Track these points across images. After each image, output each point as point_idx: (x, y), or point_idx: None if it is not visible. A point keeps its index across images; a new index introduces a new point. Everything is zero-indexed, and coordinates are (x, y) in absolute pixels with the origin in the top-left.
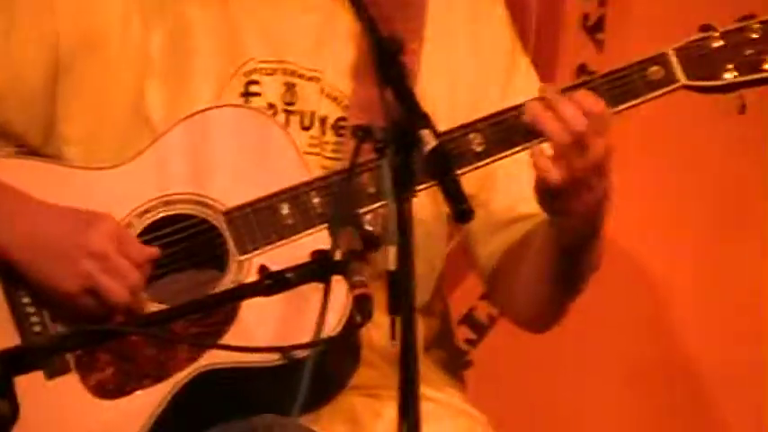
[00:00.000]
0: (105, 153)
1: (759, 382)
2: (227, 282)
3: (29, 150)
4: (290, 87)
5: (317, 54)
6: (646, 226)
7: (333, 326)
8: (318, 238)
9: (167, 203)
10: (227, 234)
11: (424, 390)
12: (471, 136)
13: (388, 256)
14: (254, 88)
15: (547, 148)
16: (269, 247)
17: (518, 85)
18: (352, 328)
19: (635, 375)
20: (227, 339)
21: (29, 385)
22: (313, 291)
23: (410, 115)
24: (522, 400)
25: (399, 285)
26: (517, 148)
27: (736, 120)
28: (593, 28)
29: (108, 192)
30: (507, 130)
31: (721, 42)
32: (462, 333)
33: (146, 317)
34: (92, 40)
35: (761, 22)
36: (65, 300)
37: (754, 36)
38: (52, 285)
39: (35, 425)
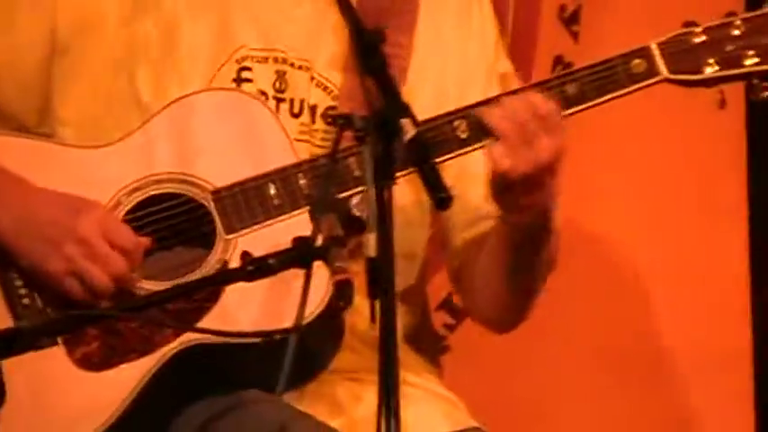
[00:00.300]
0: (99, 134)
1: (740, 368)
2: (214, 260)
3: (22, 129)
4: (280, 75)
5: (307, 44)
6: (627, 216)
7: (314, 306)
8: (304, 220)
9: (157, 182)
10: (214, 213)
11: (404, 374)
12: (456, 123)
13: (368, 243)
14: (246, 74)
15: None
16: (256, 226)
17: (496, 88)
18: (332, 311)
19: (613, 362)
20: (211, 316)
21: (15, 357)
22: (295, 272)
23: (391, 105)
24: (499, 385)
25: (379, 271)
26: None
27: (717, 114)
28: (570, 20)
29: (98, 170)
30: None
31: (703, 38)
32: (440, 318)
33: (131, 302)
34: (88, 23)
35: (743, 20)
36: (51, 281)
37: (736, 33)
38: (39, 267)
39: (21, 396)
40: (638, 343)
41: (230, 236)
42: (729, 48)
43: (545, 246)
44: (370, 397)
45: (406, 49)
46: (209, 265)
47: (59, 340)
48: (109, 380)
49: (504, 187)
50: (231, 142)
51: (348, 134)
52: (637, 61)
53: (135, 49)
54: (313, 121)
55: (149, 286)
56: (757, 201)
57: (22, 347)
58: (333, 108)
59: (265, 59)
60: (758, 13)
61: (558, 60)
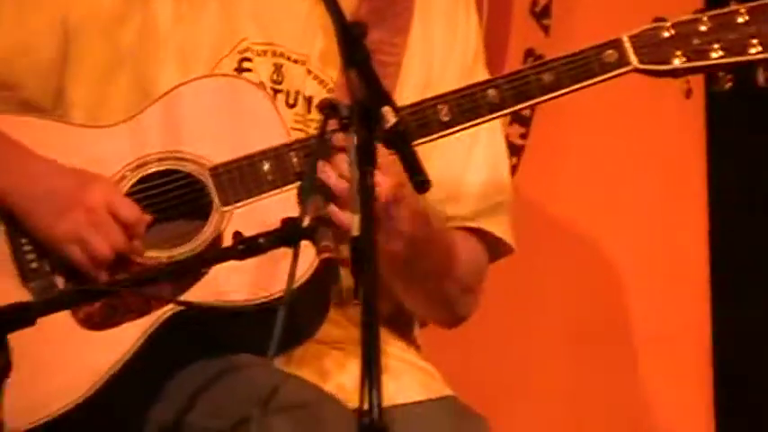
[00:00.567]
0: (106, 117)
1: (699, 341)
2: (209, 231)
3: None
4: (278, 68)
5: (304, 39)
6: (594, 202)
7: (302, 274)
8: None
9: (159, 160)
10: (211, 187)
11: (384, 347)
12: (439, 107)
13: (353, 224)
14: (246, 65)
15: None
16: (250, 200)
17: None
18: (318, 284)
19: (579, 336)
20: (205, 281)
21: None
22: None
23: (373, 94)
24: (471, 358)
25: (362, 250)
26: (479, 120)
27: (679, 105)
28: (541, 14)
29: (104, 147)
30: (472, 103)
31: (672, 32)
32: None
33: (133, 276)
34: (97, 12)
35: (709, 17)
36: (56, 246)
37: (703, 28)
38: (47, 231)
39: (26, 353)
40: (605, 320)
41: (226, 208)
42: (696, 41)
43: (420, 262)
44: (353, 366)
45: (401, 47)
46: (205, 236)
47: None
48: (109, 338)
49: None
50: (230, 123)
51: (328, 123)
52: (609, 52)
53: (141, 38)
54: (308, 111)
55: (151, 254)
56: (716, 186)
57: (31, 321)
58: (326, 99)
59: (264, 52)
60: (725, 10)
61: (530, 53)
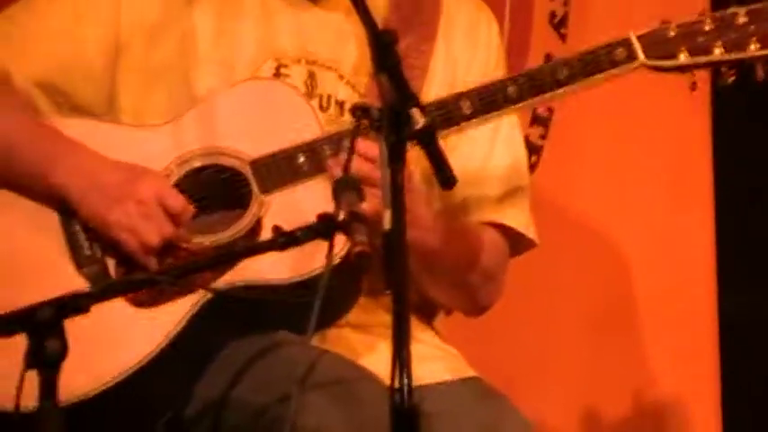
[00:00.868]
0: (153, 121)
1: (708, 324)
2: (250, 216)
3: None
4: (311, 75)
5: (336, 48)
6: (608, 197)
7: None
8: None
9: (202, 155)
10: (251, 178)
11: (412, 332)
12: (462, 102)
13: (384, 218)
14: (283, 71)
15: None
16: (286, 187)
17: None
18: (352, 271)
19: (594, 323)
20: (243, 264)
21: None
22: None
23: (402, 97)
24: (491, 344)
25: (393, 243)
26: (498, 112)
27: (684, 99)
28: (559, 24)
29: (152, 145)
30: (492, 98)
31: (677, 31)
32: None
33: (179, 267)
34: (144, 26)
35: (712, 18)
36: (109, 233)
37: (707, 28)
38: (101, 219)
39: (80, 330)
40: (619, 307)
41: (264, 196)
42: (700, 39)
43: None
44: (382, 347)
45: (428, 53)
46: (246, 221)
47: None
48: (156, 315)
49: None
50: (265, 121)
51: (361, 125)
52: (619, 50)
53: (184, 50)
54: (341, 115)
55: (197, 239)
56: (722, 180)
57: (86, 309)
58: (358, 103)
59: (299, 60)
60: (726, 12)
61: (548, 58)
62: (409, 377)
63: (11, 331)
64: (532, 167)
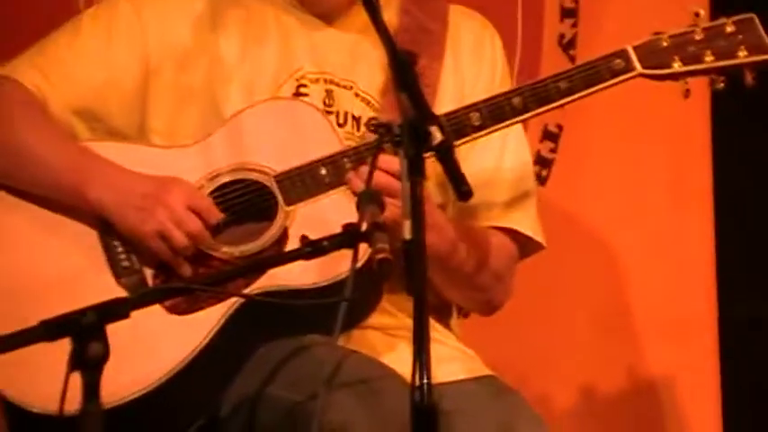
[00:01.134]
0: (183, 141)
1: (707, 325)
2: (277, 226)
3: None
4: (329, 93)
5: (350, 68)
6: (612, 206)
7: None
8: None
9: (230, 171)
10: (276, 190)
11: (432, 334)
12: (471, 114)
13: (404, 228)
14: (303, 90)
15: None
16: (310, 199)
17: None
18: (374, 277)
19: (598, 321)
20: (271, 272)
21: None
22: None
23: (421, 115)
24: (500, 344)
25: (413, 251)
26: (505, 123)
27: (684, 113)
28: (567, 45)
29: (183, 163)
30: (499, 110)
31: (670, 41)
32: None
33: (210, 276)
34: (173, 53)
35: (702, 28)
36: (143, 242)
37: (698, 37)
38: (135, 230)
39: (122, 337)
40: (623, 310)
41: (289, 207)
42: (691, 49)
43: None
44: (402, 347)
45: (437, 71)
46: (272, 232)
47: None
48: (192, 322)
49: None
50: (288, 138)
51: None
52: (617, 61)
53: (211, 74)
54: (357, 129)
55: (226, 249)
56: (721, 180)
57: (126, 315)
58: (374, 119)
59: (317, 80)
60: (715, 23)
61: None
62: (429, 377)
63: (57, 335)
64: (544, 180)
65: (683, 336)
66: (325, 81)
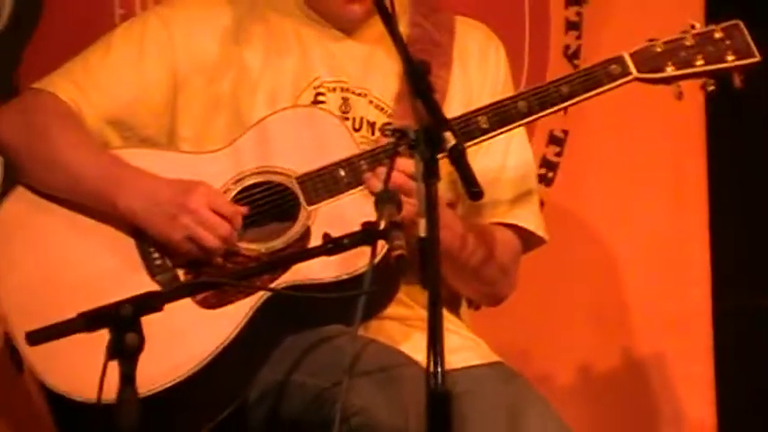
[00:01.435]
0: (211, 146)
1: (703, 323)
2: (300, 225)
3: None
4: (345, 100)
5: (365, 77)
6: (613, 206)
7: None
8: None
9: (254, 174)
10: (298, 191)
11: (445, 324)
12: (479, 117)
13: (419, 226)
14: (320, 98)
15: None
16: (330, 199)
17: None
18: (391, 272)
19: (596, 319)
20: (294, 268)
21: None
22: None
23: (435, 121)
24: (502, 339)
25: (428, 247)
26: (511, 126)
27: (681, 111)
28: (572, 56)
29: (210, 168)
30: (505, 113)
31: (664, 47)
32: None
33: (238, 271)
34: (201, 65)
35: (692, 35)
36: (174, 246)
37: (689, 43)
38: (164, 237)
39: (156, 330)
40: (621, 305)
41: (311, 207)
42: (683, 54)
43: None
44: (417, 336)
45: (445, 79)
46: (295, 230)
47: None
48: (222, 315)
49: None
50: (308, 142)
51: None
52: (613, 66)
53: (237, 84)
54: (372, 134)
55: (252, 247)
56: (715, 180)
57: (159, 308)
58: (388, 124)
59: (334, 89)
60: (705, 29)
61: None
62: (443, 365)
63: (95, 327)
64: (550, 181)
65: (680, 327)
66: (342, 89)
